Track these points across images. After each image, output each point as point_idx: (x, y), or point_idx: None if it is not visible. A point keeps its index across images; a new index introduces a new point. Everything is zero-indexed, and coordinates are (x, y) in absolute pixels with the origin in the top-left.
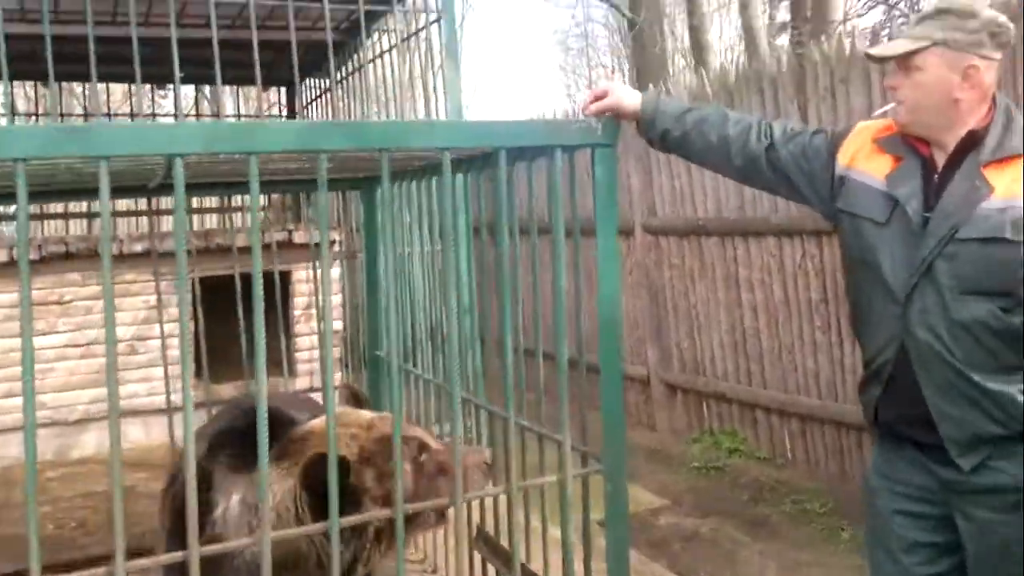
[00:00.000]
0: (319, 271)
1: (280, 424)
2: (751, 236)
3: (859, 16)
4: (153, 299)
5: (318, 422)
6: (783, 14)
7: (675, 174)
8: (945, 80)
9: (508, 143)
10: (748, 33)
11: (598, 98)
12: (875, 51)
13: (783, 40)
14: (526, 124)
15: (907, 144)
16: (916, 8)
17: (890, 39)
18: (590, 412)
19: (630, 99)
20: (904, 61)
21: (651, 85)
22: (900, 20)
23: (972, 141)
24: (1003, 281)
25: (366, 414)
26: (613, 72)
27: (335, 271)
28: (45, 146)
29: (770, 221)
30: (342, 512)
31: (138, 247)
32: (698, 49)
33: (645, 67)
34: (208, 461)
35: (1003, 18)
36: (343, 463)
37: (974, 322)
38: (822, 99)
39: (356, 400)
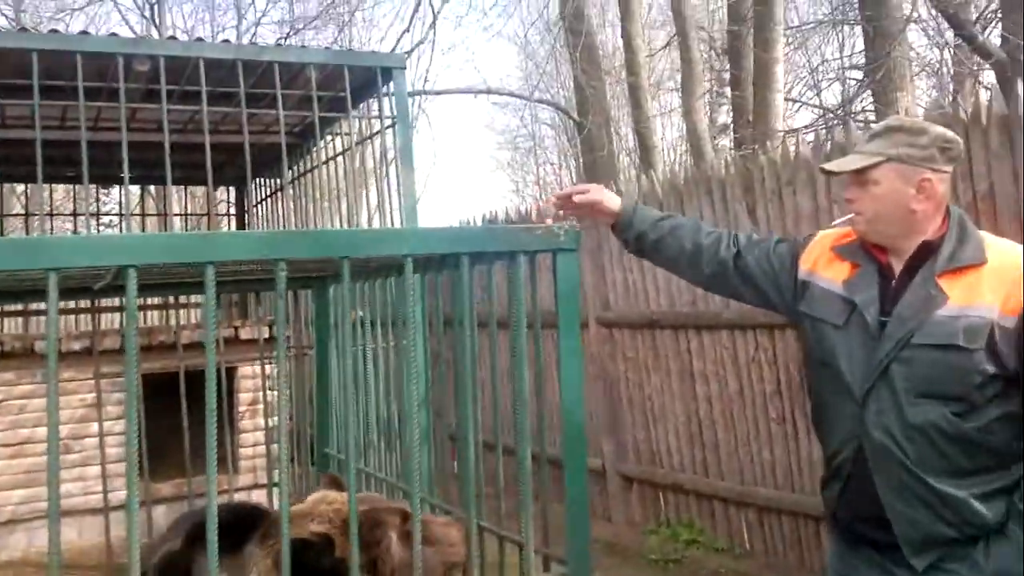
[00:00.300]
0: (267, 367)
1: (263, 515)
2: (704, 329)
3: (804, 129)
4: (89, 397)
5: (302, 505)
6: (723, 116)
7: (627, 268)
8: (901, 192)
9: (472, 249)
10: (693, 136)
11: (579, 193)
12: (831, 167)
13: (725, 141)
14: (490, 231)
15: (865, 251)
16: (848, 113)
17: (830, 145)
18: (550, 504)
19: (611, 200)
20: (860, 175)
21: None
22: (837, 125)
23: (928, 250)
24: (956, 386)
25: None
26: (561, 168)
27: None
28: None
29: (722, 316)
30: None
31: (76, 345)
32: (644, 150)
33: (593, 167)
34: (188, 551)
35: (951, 134)
36: (327, 540)
37: (928, 425)
38: (769, 201)
39: (337, 486)
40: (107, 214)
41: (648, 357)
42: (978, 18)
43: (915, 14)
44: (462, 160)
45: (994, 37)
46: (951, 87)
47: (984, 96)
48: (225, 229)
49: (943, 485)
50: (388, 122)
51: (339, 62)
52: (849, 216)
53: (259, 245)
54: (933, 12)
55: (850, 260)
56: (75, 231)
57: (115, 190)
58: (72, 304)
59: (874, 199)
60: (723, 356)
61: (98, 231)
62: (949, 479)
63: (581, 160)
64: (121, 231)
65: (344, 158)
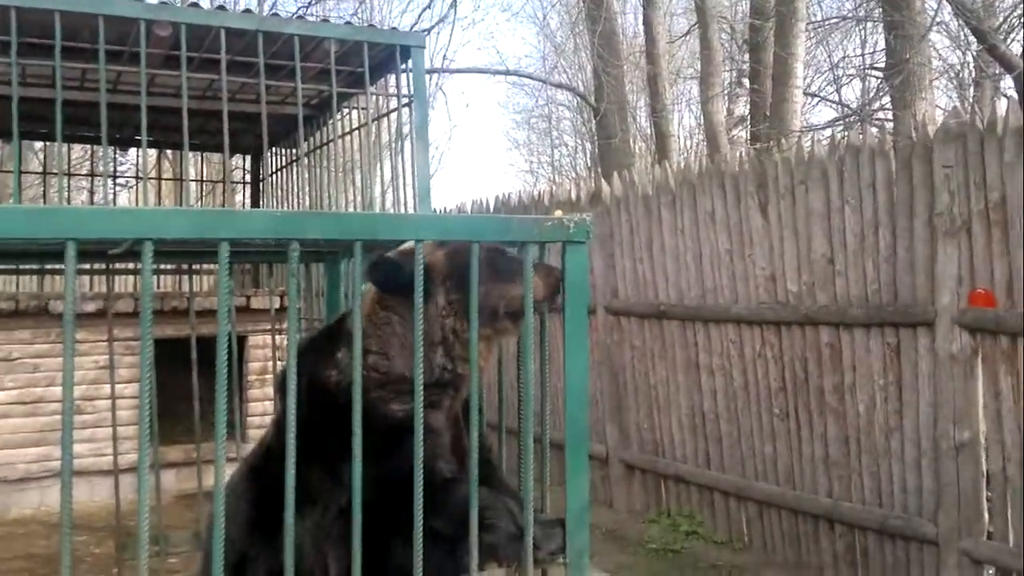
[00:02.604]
0: (278, 337)
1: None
2: (712, 323)
3: (820, 128)
4: (102, 359)
5: None
6: (741, 108)
7: (637, 259)
8: None
9: (482, 238)
10: (709, 127)
11: None
12: None
13: (742, 133)
14: (501, 220)
15: None
16: (868, 113)
17: (845, 146)
18: (553, 487)
19: None
20: None
21: (615, 173)
22: (856, 123)
23: None
24: None
25: None
26: (576, 152)
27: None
28: (14, 228)
29: (730, 311)
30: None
31: (90, 307)
32: (660, 138)
33: (608, 153)
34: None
35: None
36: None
37: None
38: (782, 198)
39: None
40: (124, 175)
41: (655, 347)
42: (1002, 23)
43: (938, 19)
44: (477, 137)
45: (1016, 45)
46: (972, 91)
47: (1001, 106)
48: (240, 197)
49: None
50: (405, 100)
51: (358, 38)
52: None
53: (274, 225)
54: (956, 18)
55: None
56: (92, 191)
57: (132, 152)
58: (86, 265)
59: None
60: (729, 350)
61: (115, 192)
62: None
63: (596, 144)
64: (137, 193)
65: (360, 133)
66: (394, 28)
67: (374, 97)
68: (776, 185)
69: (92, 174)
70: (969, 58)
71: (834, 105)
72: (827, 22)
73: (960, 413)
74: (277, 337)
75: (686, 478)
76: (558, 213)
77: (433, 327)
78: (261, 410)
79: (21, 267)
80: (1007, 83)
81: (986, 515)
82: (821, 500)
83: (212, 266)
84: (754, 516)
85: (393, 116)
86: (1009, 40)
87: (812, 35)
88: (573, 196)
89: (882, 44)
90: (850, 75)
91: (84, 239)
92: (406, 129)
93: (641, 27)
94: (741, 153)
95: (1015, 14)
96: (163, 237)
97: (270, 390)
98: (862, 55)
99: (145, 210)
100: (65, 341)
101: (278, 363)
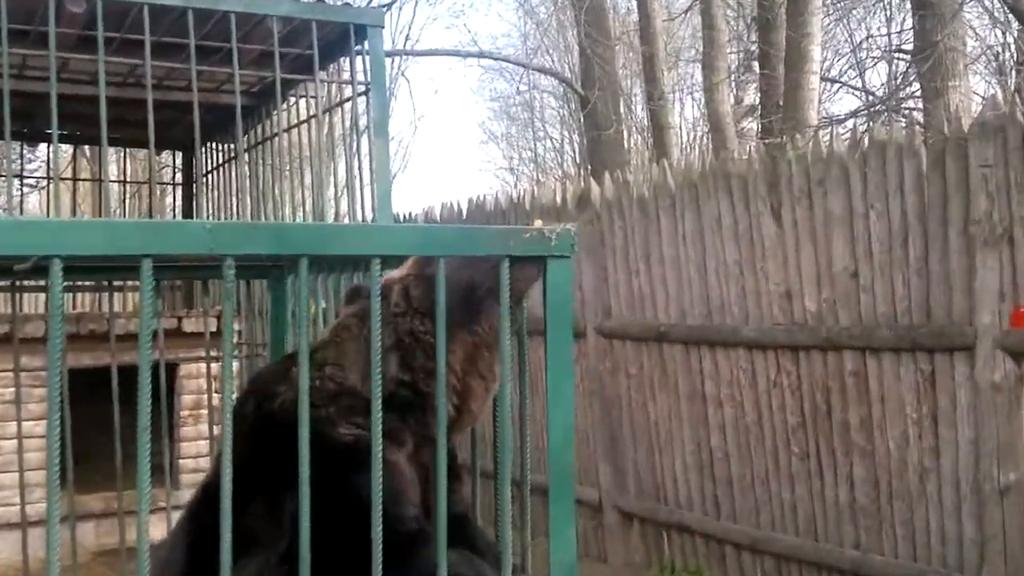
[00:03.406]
0: (214, 365)
1: None
2: (719, 346)
3: (840, 119)
4: (8, 392)
5: None
6: (751, 96)
7: (633, 271)
8: None
9: (449, 251)
10: (714, 117)
11: None
12: None
13: (750, 124)
14: (469, 232)
15: None
16: (894, 101)
17: (868, 141)
18: (535, 538)
19: None
20: None
21: (606, 171)
22: (882, 113)
23: None
24: None
25: None
26: (563, 145)
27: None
28: None
29: (740, 332)
30: None
31: None
32: (657, 130)
33: (598, 148)
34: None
35: None
36: None
37: None
38: (797, 202)
39: None
40: (32, 175)
41: (654, 375)
42: None
43: None
44: (448, 130)
45: None
46: (1013, 77)
47: None
48: (170, 199)
49: None
50: (361, 88)
51: (306, 15)
52: None
53: (205, 239)
54: None
55: None
56: None
57: (43, 148)
58: None
59: None
60: (740, 378)
61: (21, 194)
62: None
63: (585, 138)
64: (49, 195)
65: (309, 126)
66: (347, 3)
67: (325, 84)
68: (790, 187)
69: None
70: (1010, 39)
71: (857, 92)
72: None
73: (1005, 451)
74: (214, 365)
75: (692, 527)
76: (538, 223)
77: (385, 329)
78: (195, 451)
79: None
80: None
81: None
82: (847, 553)
83: (136, 282)
84: (771, 571)
85: (347, 106)
86: None
87: (831, 12)
88: (558, 199)
89: (910, 23)
90: (874, 58)
91: None
92: (363, 121)
93: (634, 2)
94: (751, 149)
95: None
96: (74, 253)
97: (205, 427)
98: (888, 35)
99: (52, 221)
100: None
101: (214, 395)
